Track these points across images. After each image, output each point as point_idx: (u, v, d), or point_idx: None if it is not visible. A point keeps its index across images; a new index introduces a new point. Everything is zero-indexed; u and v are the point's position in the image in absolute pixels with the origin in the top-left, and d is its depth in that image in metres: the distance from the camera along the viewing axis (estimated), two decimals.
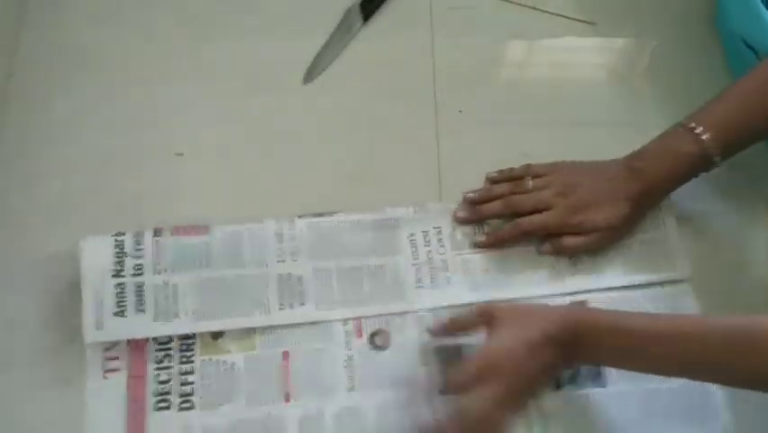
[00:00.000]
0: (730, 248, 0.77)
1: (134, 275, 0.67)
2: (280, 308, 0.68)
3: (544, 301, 0.71)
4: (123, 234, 0.69)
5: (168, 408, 0.65)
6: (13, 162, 0.76)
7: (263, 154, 0.78)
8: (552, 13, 0.89)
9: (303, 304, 0.69)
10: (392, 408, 0.66)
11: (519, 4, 0.90)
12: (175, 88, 0.81)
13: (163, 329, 0.66)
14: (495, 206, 0.74)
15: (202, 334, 0.67)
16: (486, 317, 0.64)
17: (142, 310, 0.66)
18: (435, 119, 0.81)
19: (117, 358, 0.66)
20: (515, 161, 0.78)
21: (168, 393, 0.66)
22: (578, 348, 0.61)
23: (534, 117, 0.83)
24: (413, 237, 0.73)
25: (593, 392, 0.68)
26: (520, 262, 0.74)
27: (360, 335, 0.69)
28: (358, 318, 0.70)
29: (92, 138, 0.78)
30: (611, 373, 0.69)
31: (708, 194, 0.78)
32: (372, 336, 0.69)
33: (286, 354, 0.68)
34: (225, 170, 0.77)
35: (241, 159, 0.78)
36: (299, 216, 0.72)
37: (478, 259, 0.73)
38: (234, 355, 0.67)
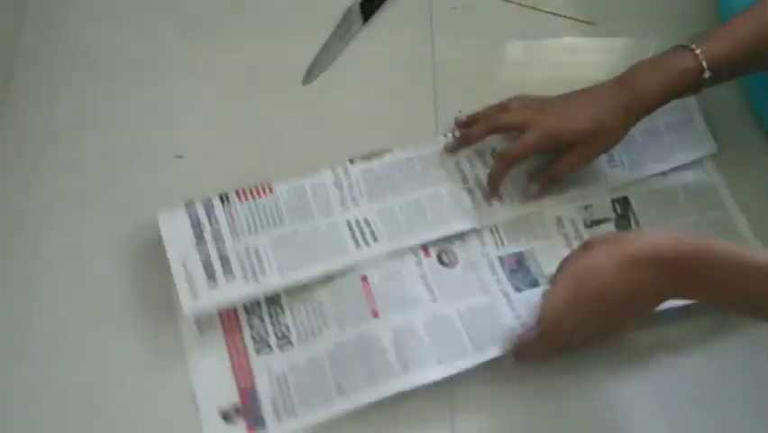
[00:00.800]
0: None
1: (216, 245, 0.70)
2: (357, 248, 0.72)
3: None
4: (194, 204, 0.71)
5: (269, 350, 0.68)
6: (13, 162, 0.76)
7: (263, 154, 0.78)
8: (552, 13, 0.89)
9: (377, 240, 0.73)
10: (476, 312, 0.71)
11: (519, 4, 0.90)
12: (175, 88, 0.81)
13: (255, 288, 0.69)
14: (479, 126, 0.76)
15: None
16: (583, 246, 0.65)
17: (231, 274, 0.69)
18: (435, 119, 0.81)
19: (210, 314, 0.69)
20: None
21: (266, 336, 0.69)
22: (683, 270, 0.60)
23: None
24: (459, 164, 0.77)
25: None
26: None
27: (427, 254, 0.73)
28: (426, 244, 0.74)
29: (92, 138, 0.78)
30: None
31: None
32: (439, 254, 0.74)
33: (364, 278, 0.72)
34: (225, 170, 0.77)
35: (241, 159, 0.78)
36: (351, 162, 0.76)
37: (520, 172, 0.77)
38: (319, 293, 0.71)
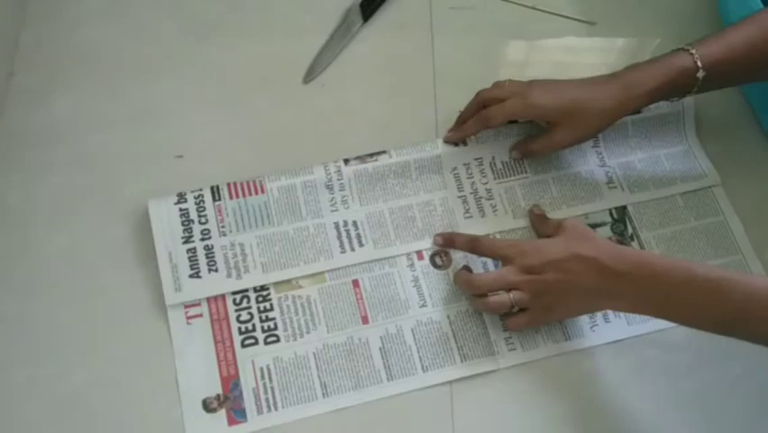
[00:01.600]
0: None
1: (203, 239, 0.72)
2: (341, 252, 0.73)
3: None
4: (185, 199, 0.72)
5: (255, 343, 0.69)
6: (14, 162, 0.76)
7: (263, 154, 0.78)
8: (552, 13, 0.89)
9: (362, 245, 0.73)
10: (466, 315, 0.72)
11: (519, 4, 0.90)
12: (175, 88, 0.81)
13: (237, 284, 0.71)
14: (474, 120, 0.75)
15: None
16: (557, 227, 0.69)
17: (215, 270, 0.71)
18: (435, 119, 0.81)
19: (198, 305, 0.70)
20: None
21: (252, 330, 0.70)
22: (627, 283, 0.63)
23: None
24: (456, 171, 0.77)
25: None
26: None
27: (421, 257, 0.74)
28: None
29: (92, 138, 0.78)
30: None
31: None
32: (433, 256, 0.74)
33: (356, 282, 0.72)
34: (225, 170, 0.77)
35: (241, 158, 0.78)
36: (345, 163, 0.75)
37: (518, 186, 0.77)
38: (308, 290, 0.71)
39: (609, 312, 0.72)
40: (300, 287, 0.71)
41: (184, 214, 0.72)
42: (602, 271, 0.64)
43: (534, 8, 0.89)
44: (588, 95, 0.71)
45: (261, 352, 0.69)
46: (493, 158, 0.78)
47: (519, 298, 0.67)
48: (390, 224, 0.74)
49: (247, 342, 0.69)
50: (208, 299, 0.70)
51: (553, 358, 0.70)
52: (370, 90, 0.83)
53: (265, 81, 0.83)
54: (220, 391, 0.67)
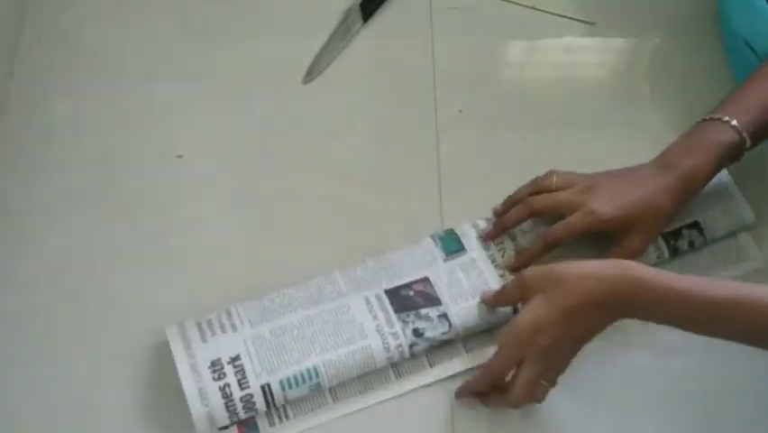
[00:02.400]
0: None
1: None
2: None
3: None
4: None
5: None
6: (13, 162, 0.76)
7: (263, 154, 0.78)
8: (552, 13, 0.89)
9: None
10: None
11: (519, 4, 0.90)
12: (175, 88, 0.81)
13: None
14: (517, 210, 0.70)
15: None
16: (519, 288, 0.63)
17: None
18: (435, 119, 0.81)
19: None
20: (514, 162, 0.78)
21: None
22: (627, 311, 0.59)
23: (535, 117, 0.83)
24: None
25: None
26: None
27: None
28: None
29: (92, 138, 0.78)
30: None
31: None
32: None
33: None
34: (225, 170, 0.77)
35: (240, 159, 0.78)
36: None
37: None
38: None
39: None
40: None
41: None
42: (602, 309, 0.59)
43: (533, 8, 0.89)
44: (650, 196, 0.67)
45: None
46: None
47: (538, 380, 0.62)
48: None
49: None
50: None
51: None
52: (370, 90, 0.83)
53: (265, 81, 0.83)
54: None
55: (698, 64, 0.86)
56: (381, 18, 0.87)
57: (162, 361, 0.66)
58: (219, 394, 0.63)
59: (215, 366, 0.64)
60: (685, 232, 0.73)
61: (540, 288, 0.61)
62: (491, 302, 0.68)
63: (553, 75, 0.87)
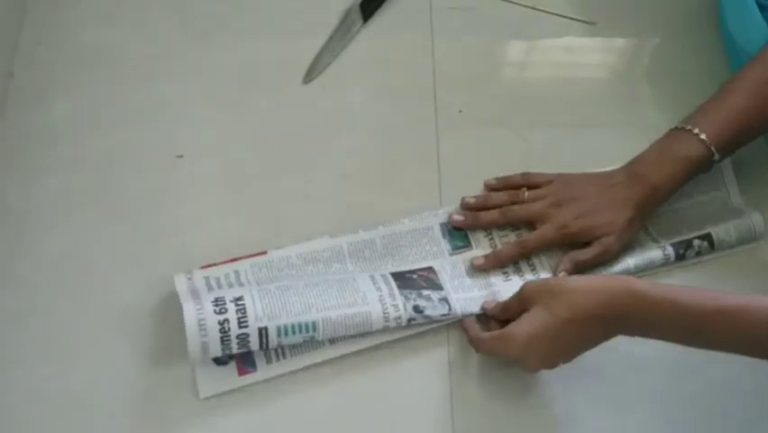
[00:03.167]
0: None
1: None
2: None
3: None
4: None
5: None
6: (13, 162, 0.76)
7: (263, 154, 0.78)
8: (552, 13, 0.89)
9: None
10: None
11: (519, 4, 0.90)
12: (175, 88, 0.81)
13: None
14: (492, 215, 0.74)
15: None
16: (520, 301, 0.65)
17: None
18: (435, 119, 0.81)
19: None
20: (514, 162, 0.78)
21: None
22: (625, 324, 0.61)
23: (534, 117, 0.83)
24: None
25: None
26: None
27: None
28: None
29: (92, 138, 0.78)
30: None
31: None
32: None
33: None
34: (225, 170, 0.77)
35: (241, 159, 0.78)
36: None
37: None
38: None
39: None
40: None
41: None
42: (599, 322, 0.61)
43: (533, 8, 0.89)
44: (616, 208, 0.71)
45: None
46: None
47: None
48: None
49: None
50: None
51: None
52: (370, 90, 0.83)
53: (265, 81, 0.83)
54: None
55: (698, 64, 0.86)
56: (381, 18, 0.87)
57: None
58: (217, 328, 0.63)
59: (219, 302, 0.65)
60: (696, 243, 0.74)
61: (540, 300, 0.63)
62: (493, 315, 0.69)
63: (553, 75, 0.87)
